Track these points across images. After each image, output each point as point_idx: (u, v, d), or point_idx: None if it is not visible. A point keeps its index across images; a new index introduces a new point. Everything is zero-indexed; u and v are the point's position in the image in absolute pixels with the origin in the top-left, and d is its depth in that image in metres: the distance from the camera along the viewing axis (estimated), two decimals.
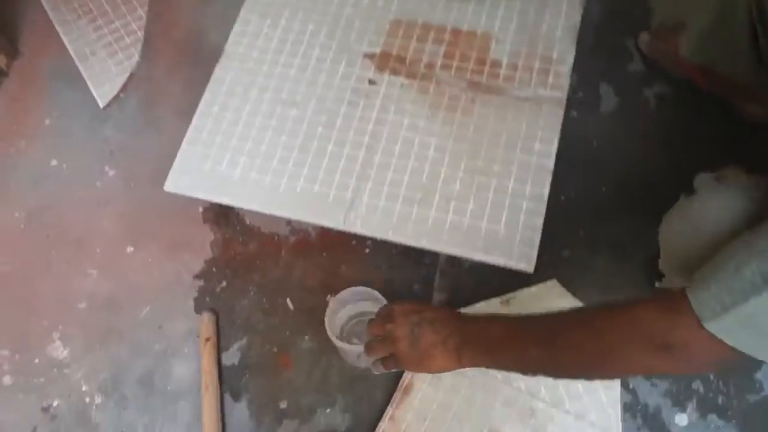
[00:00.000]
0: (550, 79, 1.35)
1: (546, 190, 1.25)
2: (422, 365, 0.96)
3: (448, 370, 0.95)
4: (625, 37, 1.59)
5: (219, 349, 1.37)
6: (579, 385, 1.26)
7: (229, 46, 1.42)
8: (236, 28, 1.44)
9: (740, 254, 0.73)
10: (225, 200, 1.30)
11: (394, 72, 1.39)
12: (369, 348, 1.02)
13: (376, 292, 1.21)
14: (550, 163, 1.26)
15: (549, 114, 1.31)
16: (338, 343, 1.19)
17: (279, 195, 1.28)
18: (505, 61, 1.38)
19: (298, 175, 1.29)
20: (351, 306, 1.29)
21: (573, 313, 0.92)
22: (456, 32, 1.42)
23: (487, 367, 0.94)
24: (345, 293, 1.23)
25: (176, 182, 1.31)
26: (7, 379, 1.39)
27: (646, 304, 0.79)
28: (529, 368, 0.92)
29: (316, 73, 1.39)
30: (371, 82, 1.38)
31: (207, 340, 1.36)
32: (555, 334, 0.87)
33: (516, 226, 1.22)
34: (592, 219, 1.43)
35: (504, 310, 1.31)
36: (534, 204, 1.24)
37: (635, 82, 1.55)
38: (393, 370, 1.04)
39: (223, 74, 1.40)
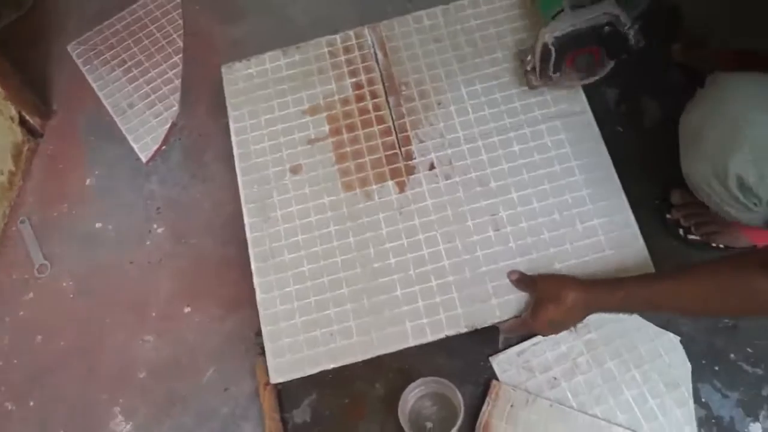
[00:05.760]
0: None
1: None
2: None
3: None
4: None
5: (281, 395, 1.32)
6: (654, 407, 1.26)
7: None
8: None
9: None
10: (330, 366, 1.25)
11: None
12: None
13: (446, 381, 1.24)
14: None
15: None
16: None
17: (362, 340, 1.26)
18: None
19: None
20: (420, 389, 1.27)
21: (694, 278, 1.06)
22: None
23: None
24: (414, 384, 1.24)
25: (278, 371, 1.25)
26: None
27: (754, 272, 0.96)
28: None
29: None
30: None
31: (266, 385, 1.30)
32: (676, 296, 1.06)
33: None
34: None
35: (571, 336, 1.32)
36: None
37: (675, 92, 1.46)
38: None
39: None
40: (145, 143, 1.57)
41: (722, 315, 1.30)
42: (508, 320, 1.23)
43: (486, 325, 1.23)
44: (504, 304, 1.24)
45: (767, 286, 0.95)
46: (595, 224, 1.28)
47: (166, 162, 1.57)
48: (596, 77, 1.31)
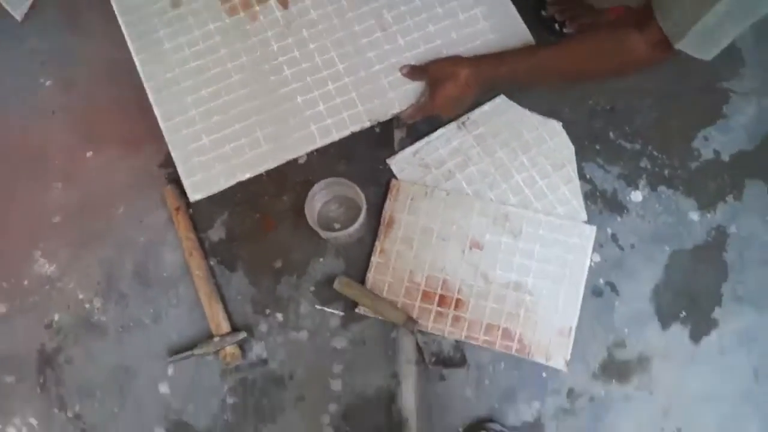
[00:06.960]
0: None
1: None
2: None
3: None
4: None
5: (193, 217, 1.38)
6: (543, 186, 1.36)
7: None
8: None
9: None
10: (246, 176, 1.31)
11: None
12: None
13: (346, 180, 1.27)
14: None
15: None
16: (323, 234, 1.27)
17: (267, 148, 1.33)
18: None
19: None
20: (324, 192, 1.32)
21: (575, 42, 1.17)
22: None
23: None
24: (318, 185, 1.28)
25: (195, 188, 1.31)
26: (1, 308, 1.38)
27: (628, 30, 1.04)
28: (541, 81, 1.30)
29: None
30: None
31: (177, 209, 1.37)
32: (558, 58, 1.16)
33: None
34: None
35: (462, 132, 1.38)
36: None
37: None
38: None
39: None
40: (16, 2, 1.55)
41: (600, 75, 1.28)
42: (407, 110, 1.31)
43: (388, 118, 1.32)
44: (401, 95, 1.32)
45: (640, 43, 1.04)
46: (476, 13, 1.37)
47: (42, 18, 1.54)
48: None
